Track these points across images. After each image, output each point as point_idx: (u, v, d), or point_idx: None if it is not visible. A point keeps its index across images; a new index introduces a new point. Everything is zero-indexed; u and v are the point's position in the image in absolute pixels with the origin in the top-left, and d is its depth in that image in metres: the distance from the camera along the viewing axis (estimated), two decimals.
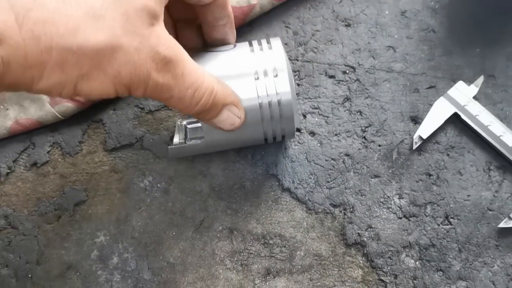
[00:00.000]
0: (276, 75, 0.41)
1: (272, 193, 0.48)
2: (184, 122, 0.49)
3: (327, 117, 0.50)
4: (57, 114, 0.50)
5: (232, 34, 0.44)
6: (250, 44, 0.43)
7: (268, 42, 0.43)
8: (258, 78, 0.41)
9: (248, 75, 0.41)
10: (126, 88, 0.32)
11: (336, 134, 0.50)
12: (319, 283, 0.44)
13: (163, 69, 0.32)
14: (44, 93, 0.30)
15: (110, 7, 0.29)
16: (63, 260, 0.46)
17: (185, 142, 0.48)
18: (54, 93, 0.30)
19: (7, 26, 0.26)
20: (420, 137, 0.48)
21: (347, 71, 0.52)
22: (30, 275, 0.46)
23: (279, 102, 0.41)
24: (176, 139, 0.48)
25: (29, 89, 0.29)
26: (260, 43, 0.43)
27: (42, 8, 0.27)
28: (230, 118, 0.39)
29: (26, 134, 0.51)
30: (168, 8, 0.41)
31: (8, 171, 0.50)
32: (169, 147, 0.45)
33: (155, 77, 0.32)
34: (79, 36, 0.28)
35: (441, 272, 0.44)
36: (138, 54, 0.31)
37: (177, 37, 0.43)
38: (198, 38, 0.44)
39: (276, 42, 0.43)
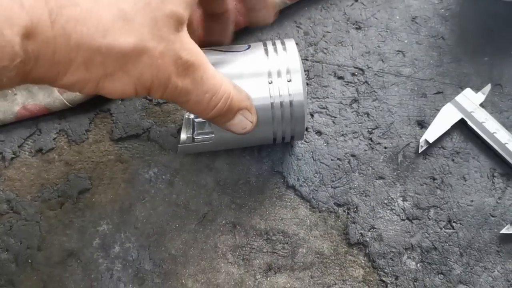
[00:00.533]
0: (290, 77, 0.41)
1: (276, 190, 0.48)
2: (192, 116, 0.50)
3: (335, 117, 0.51)
4: (65, 102, 0.50)
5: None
6: (265, 45, 0.43)
7: (283, 43, 0.43)
8: (271, 79, 0.41)
9: (262, 75, 0.41)
10: (147, 90, 0.32)
11: (342, 135, 0.50)
12: (320, 281, 0.44)
13: (183, 73, 0.33)
14: (66, 88, 0.31)
15: (140, 11, 0.30)
16: (64, 247, 0.46)
17: (192, 137, 0.48)
18: (76, 89, 0.31)
19: (40, 21, 0.27)
20: (426, 141, 0.48)
21: (356, 73, 0.53)
22: (30, 261, 0.46)
23: (291, 103, 0.41)
24: (183, 134, 0.48)
25: (52, 83, 0.30)
26: (274, 44, 0.43)
27: (75, 6, 0.28)
28: (242, 122, 0.40)
29: (33, 120, 0.51)
30: (201, 3, 0.42)
31: (13, 156, 0.50)
32: (179, 145, 0.45)
33: (175, 81, 0.33)
34: (108, 38, 0.29)
35: (442, 275, 0.44)
36: (162, 58, 0.31)
37: (206, 31, 0.44)
38: (226, 32, 0.45)
39: (291, 44, 0.43)
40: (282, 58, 0.42)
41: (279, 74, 0.41)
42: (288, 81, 0.41)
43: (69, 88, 0.31)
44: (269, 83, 0.41)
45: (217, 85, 0.36)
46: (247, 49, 0.43)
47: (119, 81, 0.31)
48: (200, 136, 0.48)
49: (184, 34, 0.33)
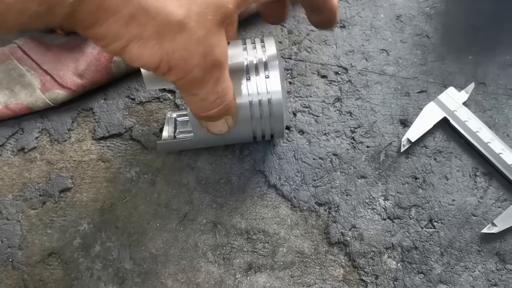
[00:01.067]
0: (268, 74, 0.41)
1: (258, 189, 0.48)
2: (174, 115, 0.50)
3: (317, 116, 0.50)
4: (48, 101, 0.50)
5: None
6: (244, 43, 0.43)
7: (262, 41, 0.43)
8: (249, 76, 0.41)
9: (240, 72, 0.41)
10: (169, 69, 0.32)
11: (325, 134, 0.50)
12: (300, 280, 0.44)
13: (207, 69, 0.33)
14: (96, 38, 0.30)
15: None
16: (45, 246, 0.46)
17: (174, 135, 0.48)
18: (105, 42, 0.30)
19: None
20: (409, 140, 0.48)
21: (340, 72, 0.52)
22: (11, 259, 0.46)
23: (269, 101, 0.41)
24: (165, 132, 0.48)
25: (86, 30, 0.29)
26: (253, 41, 0.43)
27: None
28: (223, 125, 0.40)
29: (15, 119, 0.51)
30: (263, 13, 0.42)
31: None
32: (158, 142, 0.45)
33: (197, 73, 0.32)
34: (160, 2, 0.29)
35: (422, 274, 0.44)
36: (197, 45, 0.31)
37: (264, 12, 0.44)
38: (283, 15, 0.44)
39: (270, 41, 0.43)
40: (260, 56, 0.41)
41: (257, 71, 0.41)
42: (266, 77, 0.41)
43: (99, 39, 0.30)
44: (247, 79, 0.40)
45: (226, 89, 0.36)
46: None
47: (148, 49, 0.30)
48: (182, 135, 0.48)
49: (223, 32, 0.33)
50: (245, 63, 0.41)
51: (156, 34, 0.30)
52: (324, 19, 0.41)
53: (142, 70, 0.39)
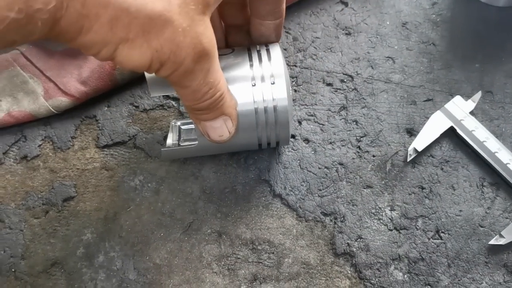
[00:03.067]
0: (274, 82, 0.40)
1: (263, 198, 0.47)
2: (179, 123, 0.49)
3: (323, 124, 0.50)
4: (51, 108, 0.50)
5: (278, 33, 0.44)
6: (249, 49, 0.42)
7: (267, 48, 0.43)
8: (255, 83, 0.40)
9: (246, 79, 0.40)
10: (161, 65, 0.32)
11: (330, 142, 0.49)
12: None
13: (196, 60, 0.33)
14: (85, 48, 0.30)
15: None
16: (48, 256, 0.46)
17: (178, 143, 0.48)
18: (94, 50, 0.30)
19: None
20: (415, 150, 0.48)
21: (345, 80, 0.52)
22: (13, 270, 0.45)
23: (275, 108, 0.41)
24: (169, 140, 0.48)
25: (73, 40, 0.29)
26: (258, 48, 0.43)
27: None
28: (221, 129, 0.40)
29: (18, 126, 0.51)
30: (221, 14, 0.43)
31: None
32: (162, 149, 0.44)
33: (187, 64, 0.32)
34: (138, 0, 0.29)
35: (429, 286, 0.43)
36: (184, 37, 0.31)
37: (226, 41, 0.45)
38: (246, 42, 0.45)
39: (275, 48, 0.42)
40: (265, 63, 0.41)
41: (262, 78, 0.40)
42: (271, 84, 0.40)
43: (88, 48, 0.30)
44: (253, 85, 0.40)
45: (217, 80, 0.36)
46: (230, 52, 0.42)
47: (137, 49, 0.30)
48: (186, 143, 0.47)
49: (208, 20, 0.33)
50: (250, 70, 0.41)
51: (142, 32, 0.30)
52: (277, 24, 0.42)
53: (146, 76, 0.39)
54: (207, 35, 0.33)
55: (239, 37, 0.45)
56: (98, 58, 0.31)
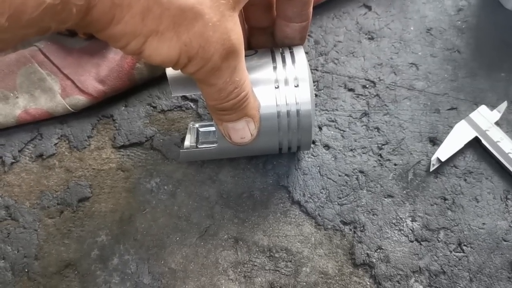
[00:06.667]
0: (297, 85, 0.40)
1: (281, 205, 0.46)
2: (197, 125, 0.48)
3: (344, 131, 0.49)
4: (68, 107, 0.49)
5: (303, 36, 0.43)
6: (272, 51, 0.42)
7: (291, 50, 0.42)
8: (278, 86, 0.39)
9: (269, 82, 0.40)
10: (188, 60, 0.31)
11: (351, 150, 0.48)
12: None
13: (224, 56, 0.32)
14: (114, 39, 0.30)
15: None
16: (62, 257, 0.45)
17: (196, 145, 0.47)
18: (123, 42, 0.30)
19: None
20: (438, 159, 0.47)
21: (367, 86, 0.51)
22: (26, 270, 0.45)
23: (298, 113, 0.40)
24: (187, 142, 0.47)
25: (103, 31, 0.29)
26: (282, 51, 0.42)
27: None
28: (243, 131, 0.39)
29: (34, 124, 0.50)
30: (246, 16, 0.42)
31: (13, 160, 0.49)
32: (181, 150, 0.44)
33: (215, 61, 0.32)
34: None
35: None
36: (213, 32, 0.30)
37: (249, 43, 0.44)
38: (269, 44, 0.44)
39: (299, 51, 0.41)
40: (289, 65, 0.40)
41: (286, 81, 0.40)
42: (295, 86, 0.39)
43: (117, 39, 0.29)
44: (275, 87, 0.39)
45: (243, 79, 0.35)
46: (253, 54, 0.41)
47: (167, 42, 0.30)
48: (204, 145, 0.46)
49: (237, 16, 0.32)
50: (274, 72, 0.40)
51: (172, 25, 0.29)
52: (303, 26, 0.41)
53: (168, 75, 0.38)
54: (236, 31, 0.32)
55: (262, 39, 0.44)
56: (126, 51, 0.30)
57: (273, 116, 0.40)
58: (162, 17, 0.29)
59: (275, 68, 0.40)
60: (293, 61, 0.41)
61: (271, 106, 0.40)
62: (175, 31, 0.29)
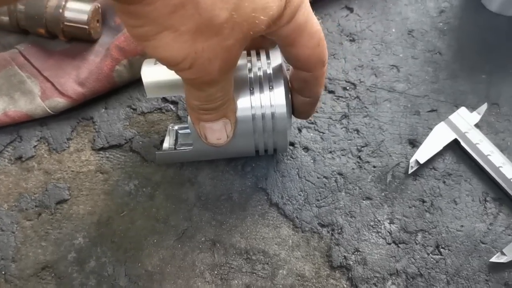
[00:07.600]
0: (272, 87, 0.39)
1: (259, 207, 0.46)
2: (176, 127, 0.48)
3: (323, 133, 0.49)
4: (47, 109, 0.49)
5: (311, 110, 0.44)
6: (248, 54, 0.41)
7: (267, 52, 0.42)
8: (253, 89, 0.39)
9: (244, 84, 0.40)
10: (190, 66, 0.31)
11: (330, 152, 0.48)
12: None
13: (224, 72, 0.33)
14: (134, 15, 0.28)
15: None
16: (39, 260, 0.45)
17: (174, 147, 0.47)
18: (139, 22, 0.28)
19: None
20: (417, 162, 0.46)
21: (348, 88, 0.51)
22: (3, 272, 0.44)
23: (272, 115, 0.40)
24: (166, 144, 0.47)
25: (129, 3, 0.27)
26: (258, 54, 0.42)
27: None
28: (220, 132, 0.39)
29: (13, 126, 0.50)
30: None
31: None
32: (157, 152, 0.44)
33: (215, 74, 0.32)
34: None
35: None
36: (224, 52, 0.31)
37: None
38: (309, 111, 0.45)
39: (276, 54, 0.41)
40: (265, 68, 0.40)
41: (261, 84, 0.40)
42: (270, 89, 0.39)
43: (135, 17, 0.28)
44: (251, 90, 0.39)
45: (231, 86, 0.36)
46: None
47: (180, 44, 0.29)
48: (182, 147, 0.46)
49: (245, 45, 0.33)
50: (249, 75, 0.40)
51: (194, 29, 0.28)
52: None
53: (143, 77, 0.38)
54: (239, 55, 0.33)
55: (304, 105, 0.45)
56: (132, 33, 0.29)
57: (248, 119, 0.40)
58: (191, 18, 0.28)
59: (250, 70, 0.40)
60: (269, 63, 0.40)
61: (246, 108, 0.40)
62: (193, 35, 0.29)
